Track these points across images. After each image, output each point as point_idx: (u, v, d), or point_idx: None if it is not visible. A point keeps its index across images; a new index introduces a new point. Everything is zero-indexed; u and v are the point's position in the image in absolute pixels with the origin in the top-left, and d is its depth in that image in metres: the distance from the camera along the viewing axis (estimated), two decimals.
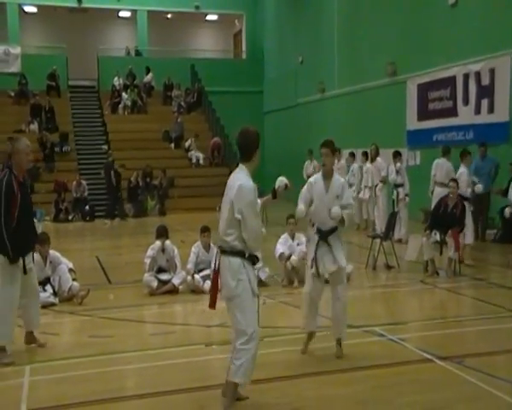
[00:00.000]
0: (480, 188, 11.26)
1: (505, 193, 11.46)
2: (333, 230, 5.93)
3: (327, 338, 6.15)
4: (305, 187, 6.07)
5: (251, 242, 4.60)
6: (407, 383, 5.29)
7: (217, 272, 4.76)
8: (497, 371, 5.47)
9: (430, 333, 6.87)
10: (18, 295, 6.07)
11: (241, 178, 4.63)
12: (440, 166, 12.08)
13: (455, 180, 10.16)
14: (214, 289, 4.82)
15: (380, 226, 12.89)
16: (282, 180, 5.17)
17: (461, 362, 5.67)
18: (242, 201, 4.54)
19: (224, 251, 4.67)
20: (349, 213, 5.95)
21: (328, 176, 5.96)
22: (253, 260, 4.77)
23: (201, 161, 23.09)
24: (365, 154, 15.31)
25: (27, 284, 6.19)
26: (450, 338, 6.66)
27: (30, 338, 6.49)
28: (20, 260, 5.99)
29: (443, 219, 9.68)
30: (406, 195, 13.03)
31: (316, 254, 5.93)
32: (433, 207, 10.60)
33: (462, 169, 11.23)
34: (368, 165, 14.97)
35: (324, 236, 5.91)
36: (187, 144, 23.58)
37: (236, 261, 4.64)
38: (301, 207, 5.98)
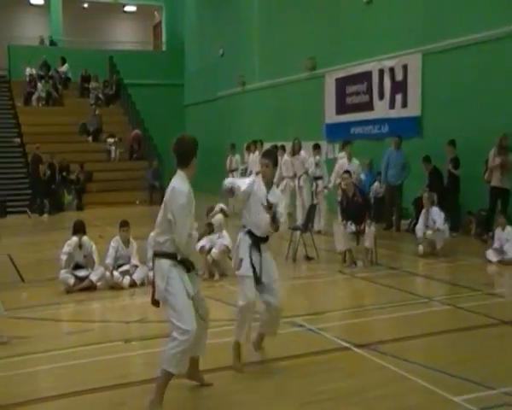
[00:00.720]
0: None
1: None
2: (266, 238, 5.63)
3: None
4: (250, 181, 5.59)
5: (181, 245, 4.61)
6: (326, 372, 5.38)
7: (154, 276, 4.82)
8: (410, 355, 5.66)
9: (347, 322, 7.05)
10: None
11: (175, 182, 4.66)
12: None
13: (347, 171, 10.49)
14: (152, 289, 4.80)
15: (302, 217, 13.11)
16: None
17: (376, 348, 5.83)
18: (174, 203, 4.56)
19: (156, 254, 4.74)
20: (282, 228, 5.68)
21: (267, 187, 5.59)
22: (187, 265, 4.72)
23: (114, 155, 22.60)
24: (283, 147, 15.48)
25: None
26: (366, 326, 6.86)
27: None
28: None
29: (350, 210, 9.95)
30: (325, 187, 13.31)
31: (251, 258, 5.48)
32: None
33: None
34: (286, 157, 15.16)
35: (256, 242, 5.57)
36: (106, 138, 23.00)
37: (166, 263, 4.65)
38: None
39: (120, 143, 22.87)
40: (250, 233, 5.54)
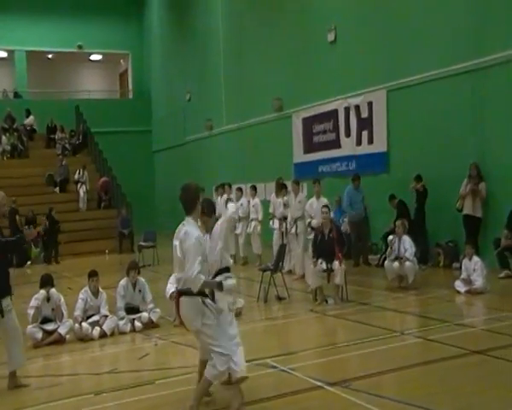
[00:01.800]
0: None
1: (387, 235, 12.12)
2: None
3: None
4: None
5: (188, 281, 5.12)
6: None
7: (178, 312, 5.38)
8: (383, 390, 5.66)
9: (320, 360, 7.01)
10: None
11: (187, 227, 5.24)
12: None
13: (326, 206, 10.59)
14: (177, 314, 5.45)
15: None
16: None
17: (349, 386, 5.80)
18: (186, 243, 5.13)
19: (185, 292, 5.20)
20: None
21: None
22: (205, 294, 5.29)
23: (84, 203, 22.40)
24: (254, 188, 15.60)
25: (6, 326, 6.44)
26: (338, 363, 6.84)
27: (13, 381, 6.56)
28: None
29: (324, 248, 10.00)
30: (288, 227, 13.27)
31: None
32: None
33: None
34: (256, 199, 15.27)
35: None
36: (76, 176, 22.79)
37: (198, 299, 5.20)
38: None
39: (89, 192, 22.75)
40: None
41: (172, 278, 9.31)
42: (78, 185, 22.69)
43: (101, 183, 23.01)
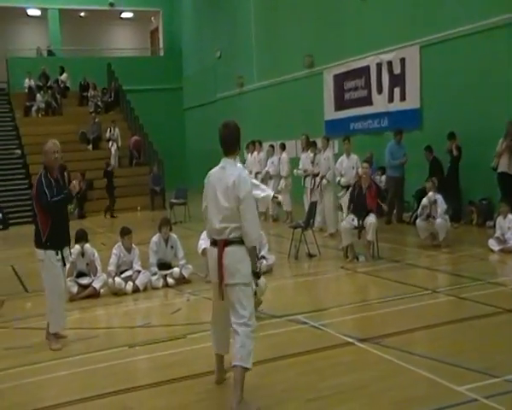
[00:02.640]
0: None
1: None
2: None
3: None
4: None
5: (252, 231, 4.62)
6: (329, 367, 5.38)
7: (222, 265, 4.64)
8: (414, 347, 5.66)
9: (350, 317, 7.04)
10: (63, 286, 6.69)
11: (238, 171, 4.70)
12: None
13: (367, 161, 10.49)
14: (220, 283, 4.70)
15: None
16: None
17: (379, 342, 5.83)
18: (242, 190, 4.58)
19: (233, 241, 4.63)
20: None
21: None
22: (254, 252, 4.96)
23: (115, 160, 22.56)
24: (282, 145, 15.55)
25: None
26: (369, 320, 6.86)
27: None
28: (59, 253, 6.41)
29: (359, 203, 9.94)
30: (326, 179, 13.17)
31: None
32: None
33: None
34: (283, 155, 15.22)
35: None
36: (107, 134, 22.93)
37: (243, 249, 4.67)
38: None
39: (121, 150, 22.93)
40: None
41: (204, 235, 9.39)
42: (110, 143, 22.80)
43: (133, 141, 23.14)
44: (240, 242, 4.63)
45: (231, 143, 4.77)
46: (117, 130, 22.83)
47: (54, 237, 6.34)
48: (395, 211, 13.83)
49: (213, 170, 4.81)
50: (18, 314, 7.98)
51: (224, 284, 4.66)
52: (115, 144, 22.71)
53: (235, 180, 4.59)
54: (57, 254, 6.39)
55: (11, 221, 19.08)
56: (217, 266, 4.66)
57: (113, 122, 23.03)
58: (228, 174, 4.65)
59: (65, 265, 6.59)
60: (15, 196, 20.47)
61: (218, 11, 24.89)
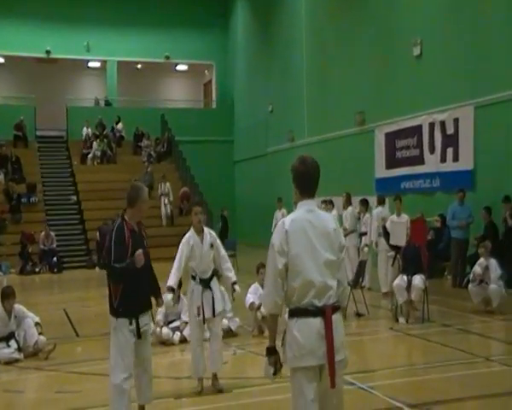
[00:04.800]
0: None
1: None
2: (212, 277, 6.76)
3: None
4: (182, 245, 6.81)
5: (342, 295, 3.91)
6: None
7: (331, 340, 3.65)
8: None
9: (399, 380, 6.88)
10: (131, 362, 5.35)
11: (328, 214, 4.10)
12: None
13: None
14: (332, 364, 3.66)
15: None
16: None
17: (430, 409, 5.67)
18: (341, 240, 3.88)
19: (337, 307, 3.76)
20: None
21: (200, 230, 6.79)
22: None
23: (166, 219, 22.82)
24: (331, 202, 15.51)
25: (142, 350, 5.51)
26: (419, 385, 6.68)
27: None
28: (133, 322, 5.32)
29: (411, 262, 9.85)
30: (366, 245, 13.05)
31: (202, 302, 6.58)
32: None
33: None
34: (334, 212, 15.18)
35: (207, 284, 6.67)
36: (159, 191, 23.33)
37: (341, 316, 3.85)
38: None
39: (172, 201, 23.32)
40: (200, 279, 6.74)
41: (253, 288, 9.44)
42: (162, 199, 22.97)
43: (181, 193, 23.51)
44: (339, 307, 3.80)
45: (317, 182, 3.96)
46: (168, 184, 23.16)
47: (127, 302, 5.29)
48: (445, 273, 13.54)
49: (295, 215, 3.85)
50: (68, 358, 8.10)
51: (334, 365, 3.62)
52: (167, 199, 22.98)
53: (335, 227, 3.83)
54: (131, 323, 5.31)
55: (65, 265, 19.54)
56: (322, 343, 3.62)
57: (163, 177, 23.34)
58: (322, 218, 3.83)
59: (140, 337, 5.36)
60: (70, 240, 21.05)
61: (270, 66, 25.37)
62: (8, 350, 7.88)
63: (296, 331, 3.65)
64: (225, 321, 9.09)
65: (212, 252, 6.73)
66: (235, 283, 6.84)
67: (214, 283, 6.77)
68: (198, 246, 6.67)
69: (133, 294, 5.31)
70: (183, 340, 8.78)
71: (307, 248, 3.70)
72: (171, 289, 6.58)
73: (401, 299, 9.73)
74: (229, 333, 9.09)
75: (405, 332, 9.12)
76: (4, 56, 28.99)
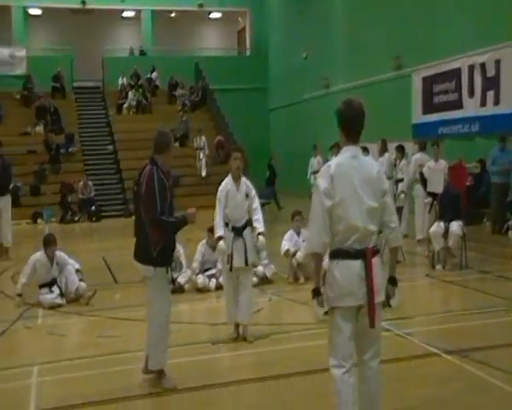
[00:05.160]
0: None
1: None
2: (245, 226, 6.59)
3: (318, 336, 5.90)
4: (219, 194, 6.67)
5: (397, 227, 3.96)
6: (414, 377, 5.28)
7: (372, 282, 3.74)
8: (503, 364, 5.43)
9: (436, 327, 6.85)
10: (170, 312, 5.50)
11: (371, 159, 4.23)
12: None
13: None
14: (372, 305, 3.77)
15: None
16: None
17: (467, 356, 5.64)
18: (385, 185, 3.91)
19: (376, 251, 3.85)
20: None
21: (238, 179, 6.63)
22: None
23: (205, 170, 22.83)
24: (365, 149, 15.30)
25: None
26: (456, 332, 6.65)
27: None
28: (169, 270, 5.38)
29: (449, 208, 9.70)
30: (402, 191, 12.91)
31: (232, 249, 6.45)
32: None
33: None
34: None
35: (239, 232, 6.52)
36: (195, 144, 23.17)
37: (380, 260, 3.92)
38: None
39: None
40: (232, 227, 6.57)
41: (288, 235, 9.46)
42: (198, 153, 22.76)
43: (215, 142, 23.46)
44: (379, 250, 3.90)
45: (362, 126, 3.87)
46: (203, 138, 22.90)
47: (166, 252, 5.25)
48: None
49: (339, 159, 3.86)
50: (108, 304, 8.30)
51: (374, 305, 3.73)
52: (202, 153, 22.87)
53: (378, 171, 3.88)
54: (167, 271, 5.34)
55: (103, 214, 19.87)
56: (363, 284, 3.72)
57: (199, 131, 23.03)
58: (366, 164, 3.86)
59: (174, 285, 5.55)
60: (107, 189, 21.33)
61: (305, 12, 24.84)
62: (51, 296, 8.10)
63: (337, 272, 3.77)
64: (261, 268, 9.17)
65: (246, 202, 6.57)
66: (260, 233, 6.61)
67: (247, 232, 6.61)
68: (233, 194, 6.55)
69: (170, 243, 5.34)
70: (219, 287, 8.84)
71: (351, 194, 3.75)
72: (222, 238, 6.49)
73: (438, 246, 9.63)
74: (264, 280, 9.17)
75: (442, 279, 9.06)
76: (41, 8, 28.97)
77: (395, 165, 13.09)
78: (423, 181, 11.35)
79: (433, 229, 9.77)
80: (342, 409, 3.82)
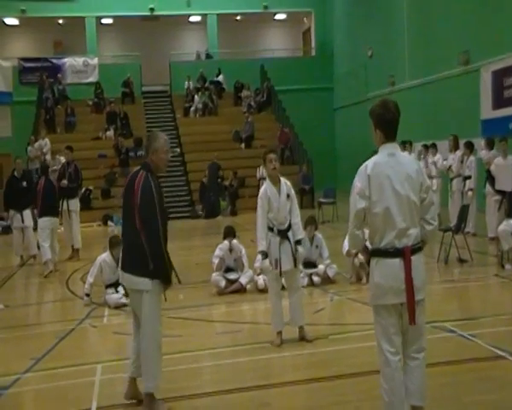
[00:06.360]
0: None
1: None
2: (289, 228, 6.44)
3: None
4: (261, 201, 6.46)
5: (429, 234, 4.00)
6: (477, 381, 5.10)
7: (410, 280, 3.80)
8: None
9: (503, 329, 6.59)
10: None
11: (410, 156, 4.43)
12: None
13: None
14: (411, 302, 3.82)
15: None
16: None
17: None
18: (426, 182, 3.96)
19: (418, 248, 3.89)
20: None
21: (277, 180, 6.49)
22: None
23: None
24: (434, 145, 15.02)
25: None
26: None
27: None
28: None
29: None
30: (470, 189, 12.53)
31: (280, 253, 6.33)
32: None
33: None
34: (438, 156, 14.66)
35: (285, 235, 6.39)
36: (258, 175, 21.62)
37: (423, 256, 3.97)
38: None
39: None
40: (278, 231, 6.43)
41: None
42: (261, 182, 22.16)
43: (279, 135, 23.50)
44: (421, 247, 3.92)
45: (397, 125, 3.96)
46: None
47: (163, 262, 4.97)
48: None
49: (377, 158, 3.95)
50: (171, 304, 8.43)
51: (415, 303, 3.80)
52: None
53: (417, 168, 3.93)
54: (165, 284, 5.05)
55: (170, 215, 20.24)
56: (402, 282, 3.77)
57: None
58: (404, 161, 3.92)
59: (166, 300, 5.10)
60: (175, 191, 21.75)
61: (369, 9, 24.54)
62: (117, 296, 8.34)
63: (377, 271, 3.87)
64: (322, 267, 9.12)
65: (288, 203, 6.42)
66: (299, 241, 6.44)
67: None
68: (275, 197, 6.36)
69: (167, 254, 5.03)
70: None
71: (389, 192, 3.83)
72: (265, 254, 6.34)
73: (507, 245, 9.28)
74: (326, 280, 9.11)
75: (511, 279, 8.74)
76: (113, 17, 29.90)
77: (462, 161, 12.73)
78: (491, 179, 10.98)
79: (501, 227, 9.42)
80: (392, 397, 3.85)
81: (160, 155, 4.99)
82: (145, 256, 4.82)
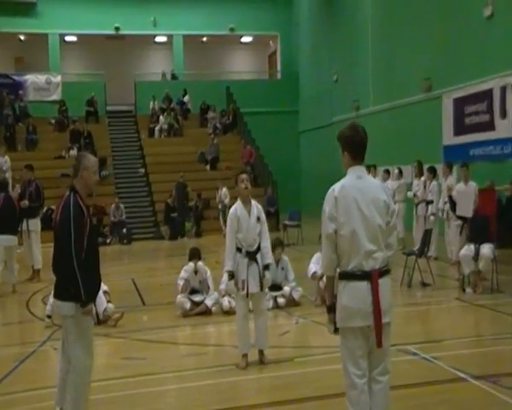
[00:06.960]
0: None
1: None
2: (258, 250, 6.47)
3: None
4: (230, 222, 6.44)
5: (394, 248, 4.06)
6: (441, 403, 5.17)
7: (378, 303, 3.82)
8: None
9: (465, 351, 6.71)
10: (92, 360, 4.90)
11: (376, 180, 4.54)
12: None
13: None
14: (379, 325, 3.85)
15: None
16: None
17: (496, 382, 5.51)
18: (391, 207, 3.99)
19: (385, 271, 3.91)
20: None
21: (248, 201, 6.52)
22: None
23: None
24: (387, 171, 15.41)
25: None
26: (485, 357, 6.52)
27: None
28: (93, 307, 4.88)
29: (480, 231, 9.55)
30: (433, 213, 12.77)
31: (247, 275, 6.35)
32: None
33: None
34: (389, 182, 15.00)
35: (253, 257, 6.41)
36: (217, 199, 21.39)
37: (390, 279, 3.99)
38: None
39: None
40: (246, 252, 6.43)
41: (315, 258, 9.40)
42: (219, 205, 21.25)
43: (242, 152, 23.59)
44: (388, 270, 3.94)
45: (365, 148, 4.00)
46: (224, 190, 21.11)
47: (88, 284, 4.66)
48: None
49: (344, 181, 3.98)
50: (135, 326, 8.36)
51: (381, 326, 3.83)
52: (220, 205, 21.22)
53: (384, 191, 4.00)
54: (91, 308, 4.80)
55: (134, 236, 20.07)
56: (370, 305, 3.81)
57: (221, 182, 21.43)
58: (371, 184, 3.98)
59: (99, 323, 5.02)
60: (139, 212, 21.55)
61: (335, 35, 24.95)
62: None
63: (345, 294, 3.89)
64: (287, 289, 9.14)
65: (258, 226, 6.43)
66: (267, 266, 6.46)
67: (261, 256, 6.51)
68: (245, 218, 6.38)
69: (94, 272, 4.86)
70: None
71: (356, 215, 3.86)
72: (231, 274, 6.36)
73: (467, 269, 9.47)
74: (291, 302, 9.13)
75: (472, 302, 8.90)
76: (77, 35, 29.71)
77: (425, 187, 12.99)
78: (452, 204, 11.21)
79: (462, 252, 9.62)
80: None
81: (89, 173, 4.86)
82: (66, 279, 4.64)
